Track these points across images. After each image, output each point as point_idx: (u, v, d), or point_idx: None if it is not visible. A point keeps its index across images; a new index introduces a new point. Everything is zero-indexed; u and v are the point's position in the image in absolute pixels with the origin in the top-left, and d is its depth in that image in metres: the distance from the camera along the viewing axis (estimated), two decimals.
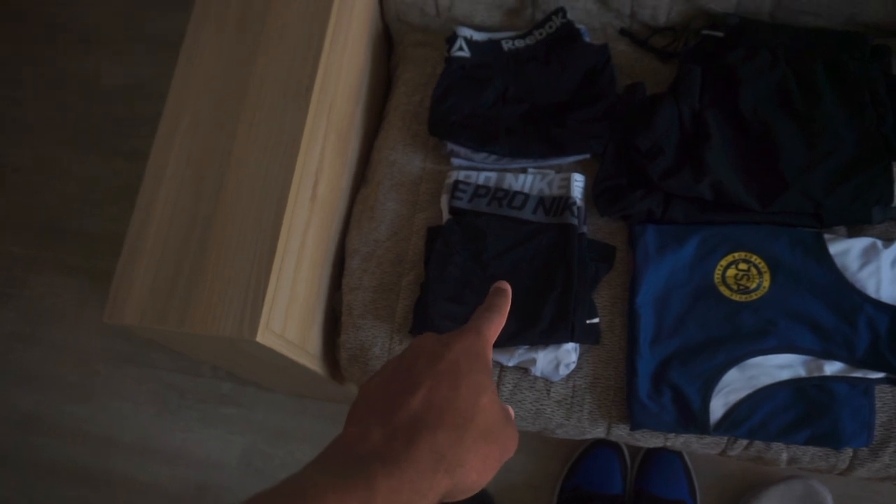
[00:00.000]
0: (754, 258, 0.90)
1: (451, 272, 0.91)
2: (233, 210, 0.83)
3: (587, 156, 0.97)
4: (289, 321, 0.86)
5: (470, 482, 0.38)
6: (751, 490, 1.16)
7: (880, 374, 0.84)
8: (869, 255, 0.87)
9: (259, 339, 0.78)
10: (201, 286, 0.80)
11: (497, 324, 0.45)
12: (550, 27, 0.99)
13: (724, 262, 0.90)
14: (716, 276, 0.90)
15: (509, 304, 0.47)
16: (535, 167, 0.97)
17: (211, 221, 0.83)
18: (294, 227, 0.85)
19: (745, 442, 0.87)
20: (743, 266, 0.90)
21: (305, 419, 1.33)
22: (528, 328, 0.87)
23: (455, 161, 0.98)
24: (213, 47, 0.91)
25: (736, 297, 0.88)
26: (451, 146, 0.96)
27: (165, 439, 1.37)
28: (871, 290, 0.86)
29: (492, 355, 0.44)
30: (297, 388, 1.26)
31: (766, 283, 0.88)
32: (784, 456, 0.87)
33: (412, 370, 0.40)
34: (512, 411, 0.44)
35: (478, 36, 1.00)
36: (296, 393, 1.33)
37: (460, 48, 0.98)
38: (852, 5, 0.95)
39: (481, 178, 0.96)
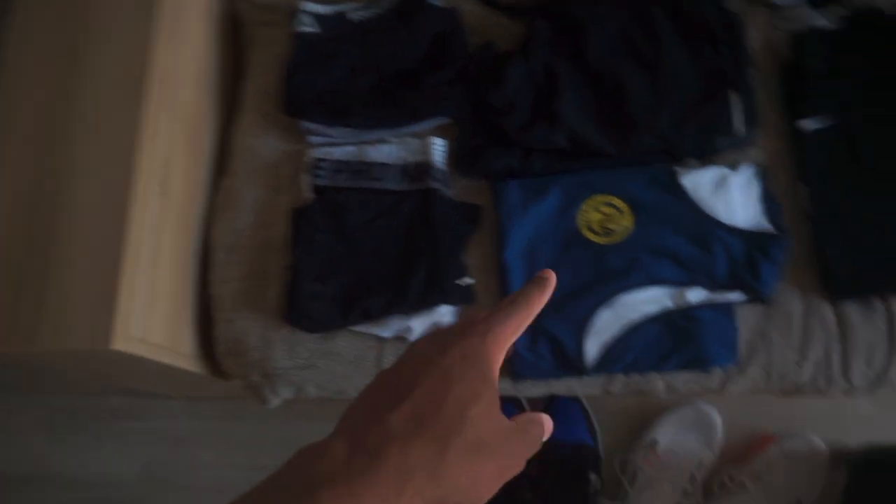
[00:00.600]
0: (615, 200, 0.92)
1: (317, 251, 0.90)
2: (72, 217, 0.78)
3: (446, 120, 0.96)
4: (152, 324, 0.83)
5: (470, 500, 0.33)
6: (647, 422, 1.20)
7: (739, 295, 0.88)
8: (719, 184, 0.91)
9: (117, 346, 0.75)
10: (48, 302, 0.76)
11: (519, 322, 0.39)
12: None
13: (585, 208, 0.92)
14: (580, 221, 0.92)
15: (546, 299, 0.40)
16: (394, 136, 0.96)
17: (51, 232, 0.79)
18: (144, 226, 0.81)
19: (623, 378, 0.90)
20: (604, 209, 0.92)
21: (203, 421, 1.30)
22: (400, 297, 0.87)
23: (313, 139, 0.96)
24: (35, 49, 0.86)
25: (601, 240, 0.91)
26: (305, 124, 0.94)
27: (61, 465, 1.31)
28: (723, 217, 0.90)
29: (501, 358, 0.38)
30: (188, 390, 1.22)
31: (628, 223, 0.91)
32: (661, 385, 0.90)
33: (401, 377, 0.35)
34: (546, 423, 0.38)
35: (323, 9, 0.98)
36: (189, 395, 1.29)
37: (305, 23, 0.95)
38: None
39: (341, 153, 0.94)
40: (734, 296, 0.88)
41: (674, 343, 0.87)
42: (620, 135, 0.92)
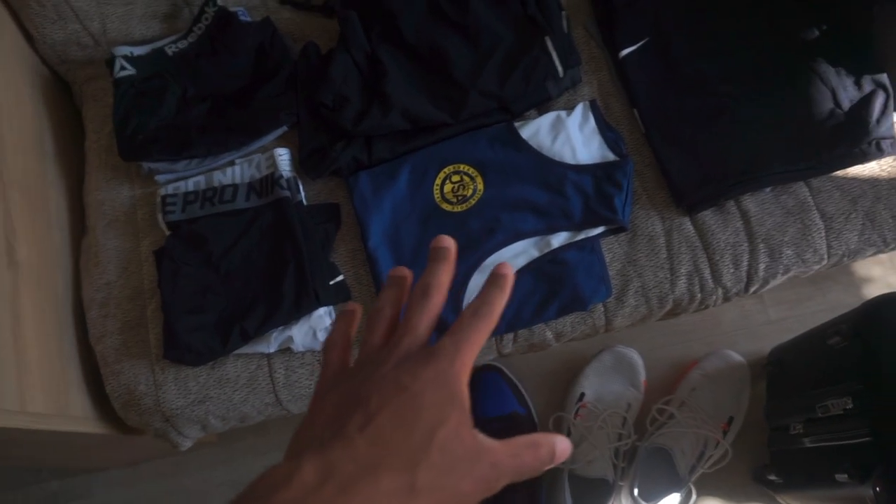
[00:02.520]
0: (462, 167, 0.93)
1: (185, 285, 0.89)
2: None
3: (285, 128, 0.97)
4: (29, 394, 0.81)
5: None
6: (573, 377, 1.21)
7: (600, 229, 0.89)
8: (557, 128, 0.92)
9: None
10: None
11: (485, 331, 0.38)
12: (206, 18, 0.98)
13: (438, 181, 0.93)
14: (435, 195, 0.92)
15: (508, 293, 0.39)
16: (240, 157, 0.96)
17: None
18: None
19: (511, 336, 0.91)
20: (455, 178, 0.93)
21: (148, 483, 1.28)
22: (275, 309, 0.87)
23: (159, 178, 0.96)
24: None
25: (458, 209, 0.91)
26: (147, 165, 0.94)
27: None
28: (568, 158, 0.91)
29: (469, 374, 0.37)
30: (118, 456, 1.20)
31: (481, 186, 0.92)
32: (549, 335, 0.91)
33: (369, 402, 0.34)
34: (559, 444, 0.37)
35: (138, 50, 0.98)
36: (126, 461, 1.27)
37: (122, 68, 0.95)
38: None
39: (190, 184, 0.94)
40: (594, 230, 0.89)
41: (548, 289, 0.88)
42: (453, 103, 0.93)
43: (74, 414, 0.89)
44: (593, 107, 0.93)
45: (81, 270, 0.96)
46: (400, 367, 0.36)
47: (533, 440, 0.37)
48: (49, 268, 0.92)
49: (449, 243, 0.41)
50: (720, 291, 0.89)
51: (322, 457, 0.32)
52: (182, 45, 0.98)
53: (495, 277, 0.40)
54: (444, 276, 0.40)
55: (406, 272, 0.42)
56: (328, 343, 0.42)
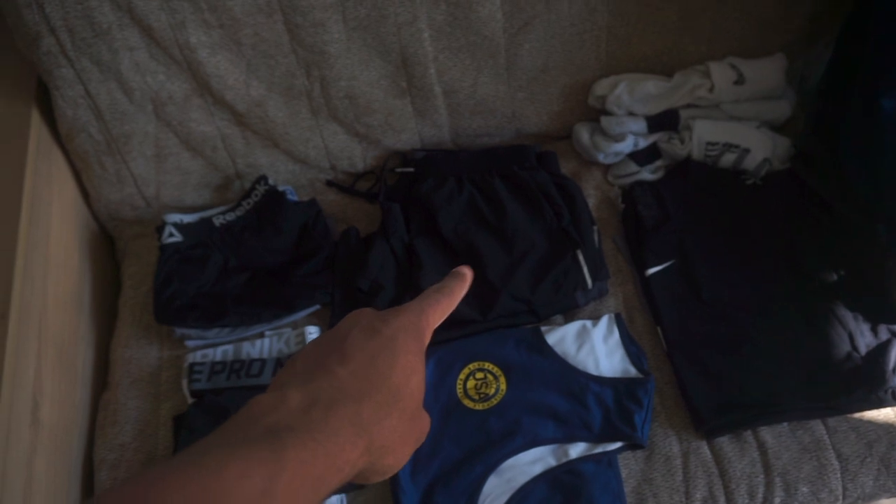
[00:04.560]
0: (487, 365, 0.95)
1: None
2: None
3: (318, 307, 1.00)
4: None
5: (387, 464, 0.36)
6: None
7: (618, 444, 0.90)
8: (582, 338, 0.95)
9: None
10: None
11: (445, 307, 0.43)
12: (256, 195, 1.03)
13: (462, 376, 0.95)
14: (458, 390, 0.94)
15: (465, 290, 0.45)
16: (270, 329, 0.99)
17: None
18: (15, 461, 0.80)
19: None
20: (479, 375, 0.95)
21: None
22: None
23: (189, 343, 0.97)
24: None
25: (480, 406, 0.93)
26: (179, 331, 0.96)
27: None
28: (591, 369, 0.93)
29: (429, 337, 0.42)
30: None
31: (503, 386, 0.93)
32: None
33: (345, 342, 0.38)
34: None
35: (188, 218, 1.02)
36: None
37: (171, 234, 1.00)
38: (515, 122, 1.07)
39: (218, 353, 0.96)
40: (613, 445, 0.90)
41: (563, 501, 0.87)
42: (485, 302, 0.96)
43: None
44: (618, 320, 0.96)
45: (97, 427, 0.96)
46: (374, 317, 0.40)
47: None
48: (68, 427, 0.92)
49: (468, 273, 0.47)
50: None
51: (306, 387, 0.34)
52: (230, 217, 1.03)
53: (455, 273, 0.46)
54: (458, 288, 0.45)
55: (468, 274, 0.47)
56: None
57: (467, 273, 0.46)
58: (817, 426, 0.90)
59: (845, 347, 0.90)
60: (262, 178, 1.04)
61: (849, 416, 0.90)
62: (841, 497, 0.88)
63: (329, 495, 0.32)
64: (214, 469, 0.28)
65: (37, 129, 0.96)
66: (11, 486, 0.80)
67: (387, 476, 0.37)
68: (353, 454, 0.33)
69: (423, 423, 0.40)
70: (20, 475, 0.81)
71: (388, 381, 0.36)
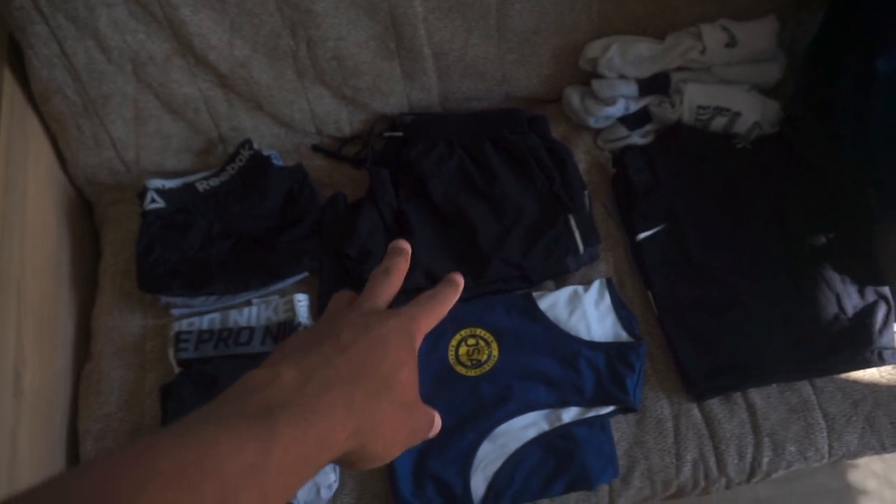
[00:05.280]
0: (479, 331, 0.94)
1: None
2: None
3: (306, 274, 0.98)
4: None
5: (375, 451, 0.37)
6: None
7: (610, 408, 0.90)
8: (574, 303, 0.95)
9: None
10: None
11: (437, 314, 0.45)
12: (241, 160, 1.01)
13: (454, 343, 0.94)
14: (450, 356, 0.93)
15: (457, 297, 0.46)
16: (258, 297, 0.97)
17: None
18: None
19: None
20: (471, 341, 0.94)
21: None
22: None
23: (175, 311, 0.95)
24: None
25: (472, 373, 0.92)
26: (165, 298, 0.94)
27: None
28: (583, 334, 0.93)
29: (420, 341, 0.43)
30: None
31: (495, 352, 0.93)
32: None
33: (340, 335, 0.39)
34: (437, 420, 0.44)
35: (170, 183, 0.99)
36: None
37: (153, 200, 0.97)
38: (505, 85, 1.06)
39: (205, 321, 0.94)
40: (605, 409, 0.90)
41: (556, 464, 0.88)
42: (476, 267, 0.95)
43: None
44: (609, 285, 0.96)
45: (81, 398, 0.94)
46: (366, 314, 0.41)
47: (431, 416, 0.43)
48: (50, 396, 0.90)
49: (406, 246, 0.48)
50: (723, 481, 0.90)
51: (300, 364, 0.35)
52: (213, 182, 1.00)
53: (448, 280, 0.47)
54: (403, 264, 0.47)
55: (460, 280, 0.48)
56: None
57: (459, 280, 0.47)
58: (805, 387, 0.91)
59: (833, 309, 0.91)
60: (247, 143, 1.01)
61: (835, 376, 0.91)
62: (827, 455, 0.90)
63: (316, 472, 0.33)
64: (208, 441, 0.29)
65: (9, 90, 0.92)
66: None
67: (375, 464, 0.38)
68: (341, 434, 0.34)
69: (420, 417, 0.41)
70: (5, 445, 0.79)
71: (379, 370, 0.38)
